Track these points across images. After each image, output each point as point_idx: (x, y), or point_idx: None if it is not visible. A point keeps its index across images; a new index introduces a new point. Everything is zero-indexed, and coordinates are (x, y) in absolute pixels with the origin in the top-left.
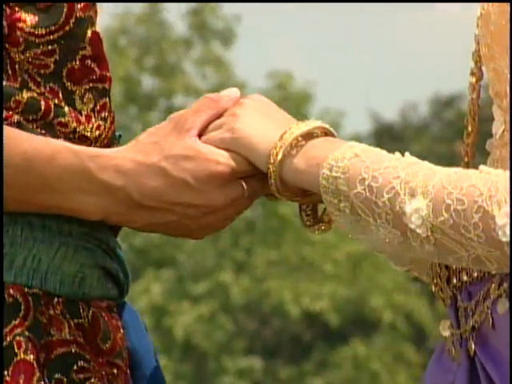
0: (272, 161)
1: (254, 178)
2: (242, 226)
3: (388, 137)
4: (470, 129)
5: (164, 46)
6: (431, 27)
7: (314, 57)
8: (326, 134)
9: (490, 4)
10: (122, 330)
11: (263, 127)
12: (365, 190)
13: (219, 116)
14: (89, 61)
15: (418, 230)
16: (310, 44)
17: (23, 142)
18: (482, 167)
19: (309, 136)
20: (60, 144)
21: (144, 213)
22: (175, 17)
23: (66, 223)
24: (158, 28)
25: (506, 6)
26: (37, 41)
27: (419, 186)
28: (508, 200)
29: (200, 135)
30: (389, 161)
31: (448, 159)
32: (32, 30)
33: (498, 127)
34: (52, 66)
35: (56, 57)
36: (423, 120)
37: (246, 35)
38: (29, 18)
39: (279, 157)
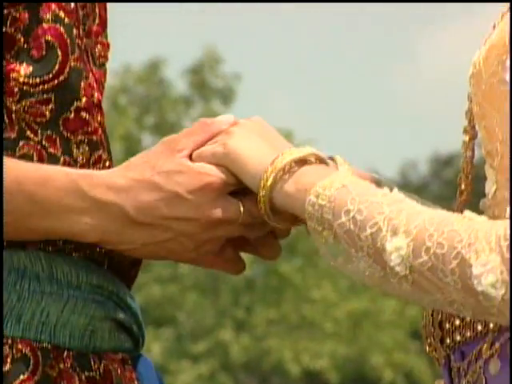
0: (262, 185)
1: (250, 199)
2: (241, 284)
3: None
4: (463, 187)
5: (164, 104)
6: (432, 85)
7: (313, 115)
8: (320, 161)
9: (482, 62)
10: (136, 382)
11: (256, 148)
12: (349, 221)
13: (212, 139)
14: (83, 113)
15: (397, 268)
16: (309, 103)
17: (13, 167)
18: (466, 213)
19: (301, 162)
20: (51, 167)
21: (140, 231)
22: (175, 75)
23: (75, 275)
24: (158, 86)
25: (497, 66)
26: (31, 90)
27: (402, 224)
28: (487, 250)
29: (191, 156)
30: (375, 195)
31: None
32: (26, 80)
33: (490, 187)
34: (48, 114)
35: (52, 106)
36: (423, 179)
37: (246, 94)
38: (23, 68)
39: (269, 181)
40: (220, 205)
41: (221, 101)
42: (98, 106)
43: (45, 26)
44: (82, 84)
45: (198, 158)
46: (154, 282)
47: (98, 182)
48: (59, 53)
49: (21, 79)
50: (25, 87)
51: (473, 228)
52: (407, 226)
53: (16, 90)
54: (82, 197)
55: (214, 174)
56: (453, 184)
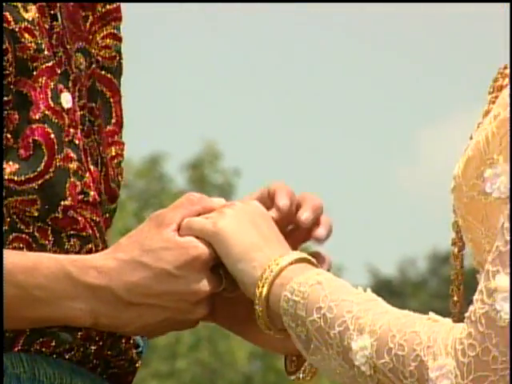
0: (257, 301)
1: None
2: (239, 379)
3: (386, 292)
4: (455, 298)
5: (164, 199)
6: (430, 182)
7: None
8: (306, 262)
9: (461, 176)
10: None
11: (245, 234)
12: (320, 318)
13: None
14: (71, 211)
15: (363, 368)
16: None
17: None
18: (431, 314)
19: (288, 264)
20: (39, 255)
21: (133, 312)
22: (175, 170)
23: (58, 378)
24: (158, 181)
25: (476, 178)
26: (16, 188)
27: (368, 323)
28: (443, 353)
29: (180, 227)
30: (347, 294)
31: (446, 316)
32: (11, 177)
33: None
34: (36, 213)
35: (38, 206)
36: (421, 276)
37: (246, 189)
38: (9, 166)
39: (264, 294)
40: (205, 277)
41: (220, 196)
42: (94, 204)
43: (33, 126)
44: (68, 184)
45: (187, 229)
46: (152, 377)
47: (88, 266)
48: (45, 152)
49: (6, 176)
50: (10, 184)
51: (433, 330)
52: (373, 326)
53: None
54: (72, 282)
55: (200, 248)
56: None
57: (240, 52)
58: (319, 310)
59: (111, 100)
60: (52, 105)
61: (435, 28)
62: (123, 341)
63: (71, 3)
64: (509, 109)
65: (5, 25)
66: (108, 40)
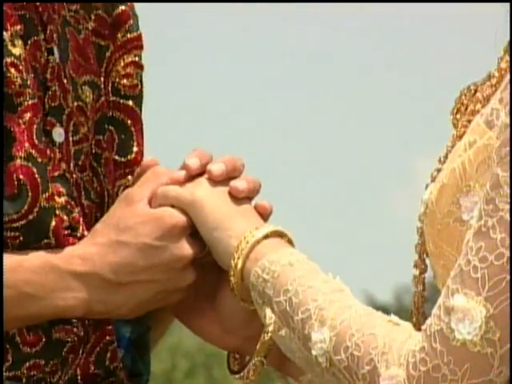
0: (232, 272)
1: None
2: None
3: None
4: (414, 320)
5: None
6: None
7: (311, 243)
8: (280, 236)
9: (435, 202)
10: None
11: (221, 204)
12: (286, 301)
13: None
14: (54, 245)
15: (320, 359)
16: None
17: None
18: (392, 316)
19: (265, 237)
20: (22, 253)
21: (125, 292)
22: None
23: None
24: None
25: (451, 205)
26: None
27: (330, 316)
28: (396, 363)
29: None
30: (316, 280)
31: None
32: None
33: None
34: (18, 244)
35: (20, 240)
36: None
37: None
38: None
39: (239, 266)
40: (186, 242)
41: None
42: (82, 239)
43: (17, 163)
44: (53, 222)
45: (162, 198)
46: None
47: (71, 255)
48: (29, 193)
49: None
50: None
51: (390, 337)
52: (334, 320)
53: None
54: (60, 274)
55: (176, 215)
56: None
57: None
58: (286, 292)
59: (132, 129)
60: (36, 142)
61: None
62: (109, 356)
63: (82, 36)
64: (486, 135)
65: None
66: (129, 68)
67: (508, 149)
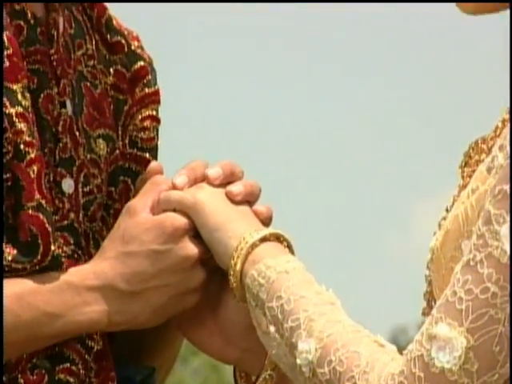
0: (232, 272)
1: None
2: None
3: None
4: None
5: None
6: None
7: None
8: (278, 239)
9: (440, 248)
10: None
11: (221, 206)
12: (278, 307)
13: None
14: None
15: (303, 369)
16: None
17: (7, 286)
18: (378, 337)
19: (262, 240)
20: (37, 278)
21: (140, 301)
22: None
23: None
24: None
25: (454, 250)
26: (13, 274)
27: (318, 328)
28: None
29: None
30: (309, 291)
31: None
32: (9, 263)
33: None
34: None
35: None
36: None
37: None
38: (8, 250)
39: (238, 267)
40: (191, 243)
41: None
42: None
43: (28, 213)
44: (64, 267)
45: (165, 201)
46: None
47: (85, 272)
48: (40, 242)
49: (4, 262)
50: (6, 268)
51: (374, 357)
52: (321, 333)
53: None
54: (76, 290)
55: (178, 218)
56: None
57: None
58: (279, 299)
59: None
60: (45, 193)
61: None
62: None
63: (98, 91)
64: (488, 181)
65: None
66: (147, 122)
67: (501, 187)
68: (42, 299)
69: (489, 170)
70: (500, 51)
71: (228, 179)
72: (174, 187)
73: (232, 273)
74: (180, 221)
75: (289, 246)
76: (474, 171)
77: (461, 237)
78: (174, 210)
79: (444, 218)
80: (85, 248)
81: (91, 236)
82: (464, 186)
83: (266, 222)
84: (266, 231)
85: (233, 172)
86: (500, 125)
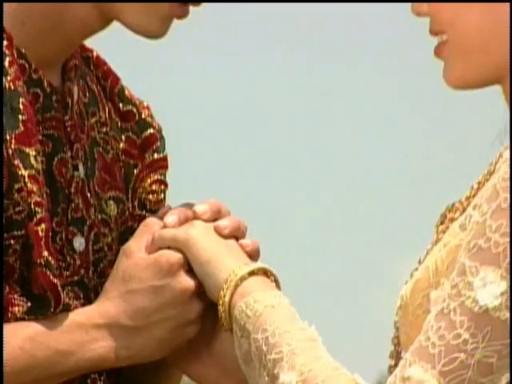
0: (221, 302)
1: None
2: None
3: None
4: None
5: None
6: None
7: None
8: (265, 274)
9: (409, 296)
10: None
11: (212, 242)
12: (263, 339)
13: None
14: None
15: None
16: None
17: (18, 330)
18: (356, 376)
19: (250, 274)
20: (47, 319)
21: (144, 335)
22: None
23: None
24: None
25: (422, 298)
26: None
27: (300, 362)
28: None
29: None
30: (293, 326)
31: None
32: (22, 316)
33: None
34: None
35: None
36: None
37: None
38: (22, 304)
39: (227, 298)
40: (187, 276)
41: None
42: None
43: (38, 270)
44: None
45: (160, 239)
46: None
47: (91, 312)
48: (51, 298)
49: (18, 315)
50: (19, 320)
51: None
52: (303, 367)
53: (12, 318)
54: (85, 329)
55: (172, 254)
56: None
57: None
58: (264, 331)
59: None
60: (52, 250)
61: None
62: None
63: (109, 156)
64: (459, 236)
65: (16, 170)
66: (155, 186)
67: (476, 241)
68: (53, 339)
69: (461, 227)
70: None
71: (215, 216)
72: (166, 226)
73: (221, 303)
74: (174, 257)
75: (276, 281)
76: (447, 228)
77: (429, 287)
78: (168, 248)
79: (416, 269)
80: (94, 302)
81: (100, 290)
82: (437, 241)
83: (253, 254)
84: (254, 265)
85: (219, 210)
86: (475, 186)
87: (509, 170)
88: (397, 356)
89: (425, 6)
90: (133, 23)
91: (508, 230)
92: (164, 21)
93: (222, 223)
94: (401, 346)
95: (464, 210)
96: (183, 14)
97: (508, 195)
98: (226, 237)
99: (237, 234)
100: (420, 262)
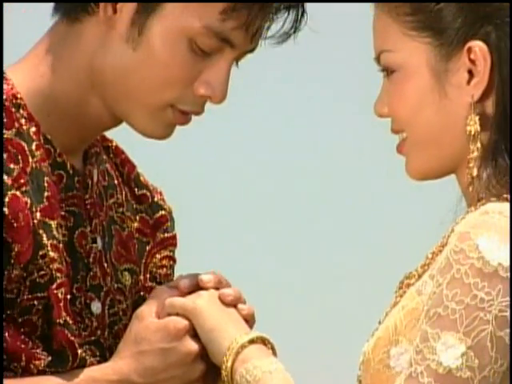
0: (224, 367)
1: None
2: None
3: None
4: None
5: None
6: None
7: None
8: (263, 342)
9: (371, 352)
10: None
11: (216, 312)
12: None
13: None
14: None
15: None
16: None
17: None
18: None
19: (250, 342)
20: (67, 374)
21: None
22: None
23: None
24: None
25: (383, 354)
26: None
27: None
28: None
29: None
30: None
31: None
32: (42, 369)
33: None
34: None
35: None
36: None
37: None
38: (43, 358)
39: (229, 363)
40: (192, 340)
41: None
42: None
43: (57, 328)
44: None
45: (170, 306)
46: None
47: (106, 369)
48: (69, 354)
49: (40, 367)
50: (40, 373)
51: None
52: None
53: (35, 371)
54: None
55: (180, 321)
56: None
57: None
58: None
59: None
60: (70, 312)
61: None
62: None
63: (125, 233)
64: (415, 300)
65: (40, 238)
66: (165, 261)
67: (435, 310)
68: None
69: (417, 292)
70: None
71: (217, 285)
72: (179, 288)
73: (224, 368)
74: (181, 323)
75: (272, 348)
76: (404, 292)
77: (389, 344)
78: (177, 314)
79: (376, 329)
80: (109, 360)
81: (114, 350)
82: (395, 304)
83: (249, 318)
84: (253, 334)
85: (220, 280)
86: (429, 256)
87: (459, 243)
88: None
89: (385, 108)
90: (139, 127)
91: (462, 298)
92: (168, 126)
93: (227, 292)
94: None
95: (420, 276)
96: (185, 122)
97: (460, 267)
98: (228, 304)
99: (237, 303)
100: (380, 323)
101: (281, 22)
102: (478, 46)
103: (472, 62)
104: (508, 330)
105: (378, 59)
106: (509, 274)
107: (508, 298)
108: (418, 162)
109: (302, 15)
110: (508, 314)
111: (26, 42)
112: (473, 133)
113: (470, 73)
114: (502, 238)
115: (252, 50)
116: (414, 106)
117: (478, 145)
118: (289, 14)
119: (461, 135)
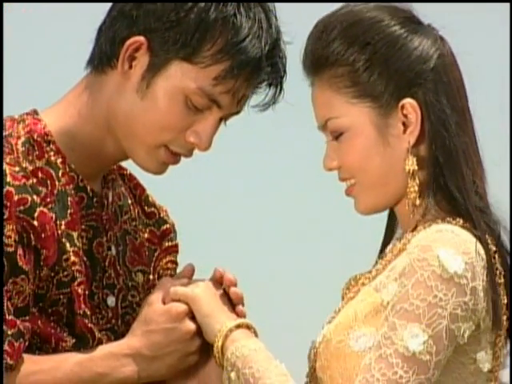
0: (215, 346)
1: None
2: None
3: None
4: None
5: None
6: None
7: None
8: (248, 327)
9: (332, 333)
10: None
11: (211, 301)
12: (249, 374)
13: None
14: None
15: None
16: None
17: (67, 358)
18: None
19: (237, 327)
20: (89, 350)
21: (158, 362)
22: None
23: None
24: None
25: (343, 335)
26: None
27: None
28: None
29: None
30: (270, 364)
31: None
32: (69, 349)
33: None
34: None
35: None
36: None
37: None
38: (69, 340)
39: (220, 343)
40: (190, 321)
41: None
42: None
43: (78, 318)
44: None
45: (174, 294)
46: None
47: (122, 345)
48: (89, 337)
49: (66, 348)
50: (67, 352)
51: None
52: None
53: (62, 351)
54: (116, 357)
55: (180, 305)
56: None
57: None
58: (250, 368)
59: None
60: (89, 305)
61: None
62: None
63: (138, 241)
64: (374, 295)
65: (64, 245)
66: (169, 264)
67: (401, 305)
68: (95, 364)
69: (375, 289)
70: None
71: (220, 281)
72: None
73: (215, 346)
74: (182, 307)
75: (255, 332)
76: (359, 290)
77: (349, 328)
78: (178, 300)
79: (332, 317)
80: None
81: (126, 335)
82: (350, 298)
83: (237, 301)
84: (240, 321)
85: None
86: (383, 262)
87: (421, 253)
88: (311, 375)
89: (334, 162)
90: (139, 161)
91: (425, 297)
92: (161, 164)
93: (236, 291)
94: (316, 370)
95: (374, 277)
96: (175, 162)
97: (423, 272)
98: (222, 296)
99: (238, 303)
100: (335, 312)
101: (263, 95)
102: (408, 103)
103: (405, 116)
104: (459, 324)
105: (323, 126)
106: (461, 280)
107: (460, 299)
108: (368, 200)
109: (280, 92)
110: (459, 311)
111: (26, 42)
112: (411, 171)
113: (405, 124)
114: (456, 251)
115: (237, 113)
116: (364, 157)
117: (417, 181)
118: (269, 89)
119: (402, 175)
